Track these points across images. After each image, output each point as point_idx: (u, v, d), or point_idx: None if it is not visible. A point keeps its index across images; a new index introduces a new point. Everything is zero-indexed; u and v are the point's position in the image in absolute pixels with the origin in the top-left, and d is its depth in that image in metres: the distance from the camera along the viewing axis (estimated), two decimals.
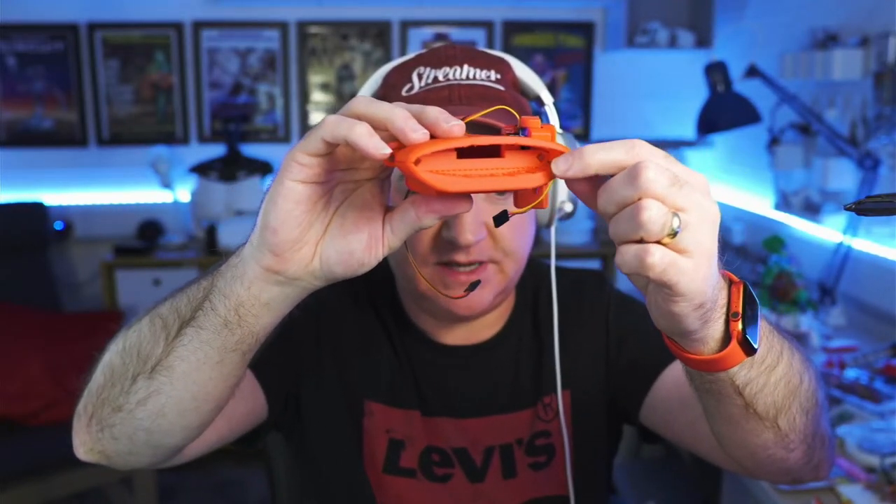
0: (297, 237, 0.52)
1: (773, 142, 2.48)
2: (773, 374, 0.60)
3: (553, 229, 0.86)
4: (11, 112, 3.15)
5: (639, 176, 0.44)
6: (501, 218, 0.55)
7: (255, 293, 0.55)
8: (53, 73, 3.14)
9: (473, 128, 0.52)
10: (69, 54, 3.13)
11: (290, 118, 3.30)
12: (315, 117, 3.30)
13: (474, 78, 0.77)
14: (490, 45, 3.29)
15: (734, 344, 0.53)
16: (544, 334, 0.92)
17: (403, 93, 0.78)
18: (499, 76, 0.79)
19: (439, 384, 0.90)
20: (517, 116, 0.53)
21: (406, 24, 3.27)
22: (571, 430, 0.90)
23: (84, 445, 0.67)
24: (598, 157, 0.46)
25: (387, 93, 0.80)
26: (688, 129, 3.14)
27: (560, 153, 0.48)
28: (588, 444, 0.92)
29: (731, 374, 0.56)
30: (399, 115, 0.47)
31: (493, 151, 0.48)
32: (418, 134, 0.46)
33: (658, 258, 0.44)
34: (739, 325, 0.53)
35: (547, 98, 0.82)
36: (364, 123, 0.47)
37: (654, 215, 0.43)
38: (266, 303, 0.55)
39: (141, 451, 0.65)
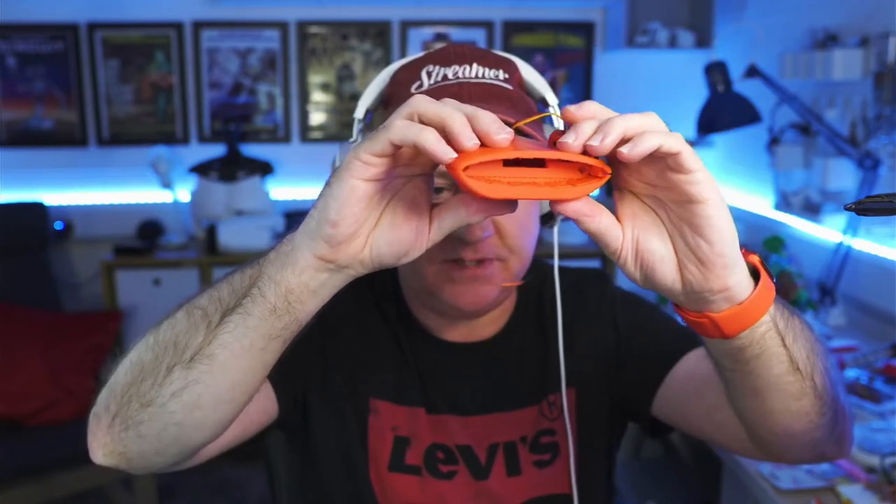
0: (355, 231, 0.55)
1: (773, 142, 2.48)
2: (794, 325, 0.62)
3: (556, 229, 0.86)
4: (11, 112, 3.15)
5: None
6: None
7: (304, 280, 0.57)
8: (53, 73, 3.14)
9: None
10: (69, 54, 3.13)
11: (290, 118, 3.30)
12: (315, 117, 3.30)
13: (483, 77, 0.78)
14: (490, 45, 3.29)
15: (763, 274, 0.57)
16: (549, 333, 0.92)
17: (413, 90, 0.78)
18: (507, 76, 0.79)
19: (443, 382, 0.90)
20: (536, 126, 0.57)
21: (406, 24, 3.27)
22: (576, 429, 0.90)
23: (103, 448, 0.65)
24: (648, 140, 0.50)
25: (394, 90, 0.80)
26: (688, 129, 3.14)
27: (603, 170, 0.51)
28: (593, 442, 0.92)
29: (773, 316, 0.58)
30: (458, 122, 0.49)
31: (538, 160, 0.51)
32: (471, 143, 0.49)
33: (660, 131, 0.49)
34: (755, 258, 0.57)
35: (552, 99, 0.83)
36: (432, 129, 0.50)
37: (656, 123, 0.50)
38: (314, 290, 0.58)
39: (166, 450, 0.64)
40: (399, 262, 0.57)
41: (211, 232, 2.94)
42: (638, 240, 0.55)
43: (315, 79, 3.28)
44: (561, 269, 0.92)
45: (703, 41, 3.13)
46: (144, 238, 3.08)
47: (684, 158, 0.50)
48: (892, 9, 2.01)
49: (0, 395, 2.29)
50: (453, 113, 0.50)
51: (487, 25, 3.30)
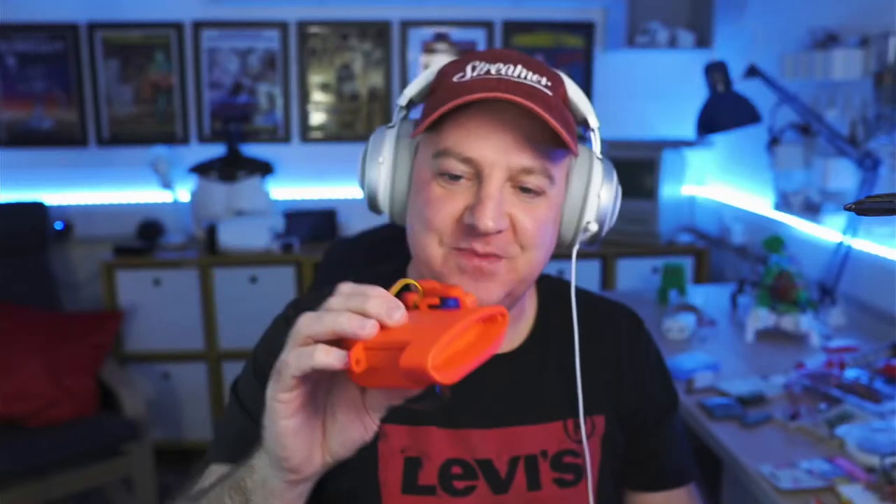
0: (307, 453, 0.62)
1: (773, 142, 2.48)
2: None
3: (574, 252, 0.86)
4: (11, 112, 3.15)
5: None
6: (429, 398, 0.62)
7: (289, 498, 0.65)
8: (53, 73, 3.14)
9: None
10: (69, 54, 3.13)
11: (290, 118, 3.30)
12: (315, 117, 3.30)
13: (526, 78, 0.78)
14: (490, 45, 3.29)
15: None
16: (573, 356, 0.91)
17: (455, 79, 0.79)
18: (550, 83, 0.80)
19: (461, 395, 0.88)
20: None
21: (406, 24, 3.27)
22: (599, 456, 0.91)
23: None
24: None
25: (438, 81, 0.82)
26: (688, 129, 3.14)
27: (501, 313, 0.59)
28: (617, 470, 0.94)
29: None
30: (346, 324, 0.55)
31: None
32: (367, 332, 0.55)
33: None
34: None
35: (593, 122, 0.84)
36: (320, 346, 0.55)
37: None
38: (300, 493, 0.66)
39: None
40: (356, 449, 0.64)
41: (211, 232, 2.94)
42: None
43: (315, 79, 3.28)
44: (589, 294, 0.95)
45: (703, 41, 3.13)
46: (144, 238, 3.08)
47: None
48: (892, 9, 2.01)
49: (0, 395, 2.29)
50: (337, 317, 0.55)
51: (487, 25, 3.30)
